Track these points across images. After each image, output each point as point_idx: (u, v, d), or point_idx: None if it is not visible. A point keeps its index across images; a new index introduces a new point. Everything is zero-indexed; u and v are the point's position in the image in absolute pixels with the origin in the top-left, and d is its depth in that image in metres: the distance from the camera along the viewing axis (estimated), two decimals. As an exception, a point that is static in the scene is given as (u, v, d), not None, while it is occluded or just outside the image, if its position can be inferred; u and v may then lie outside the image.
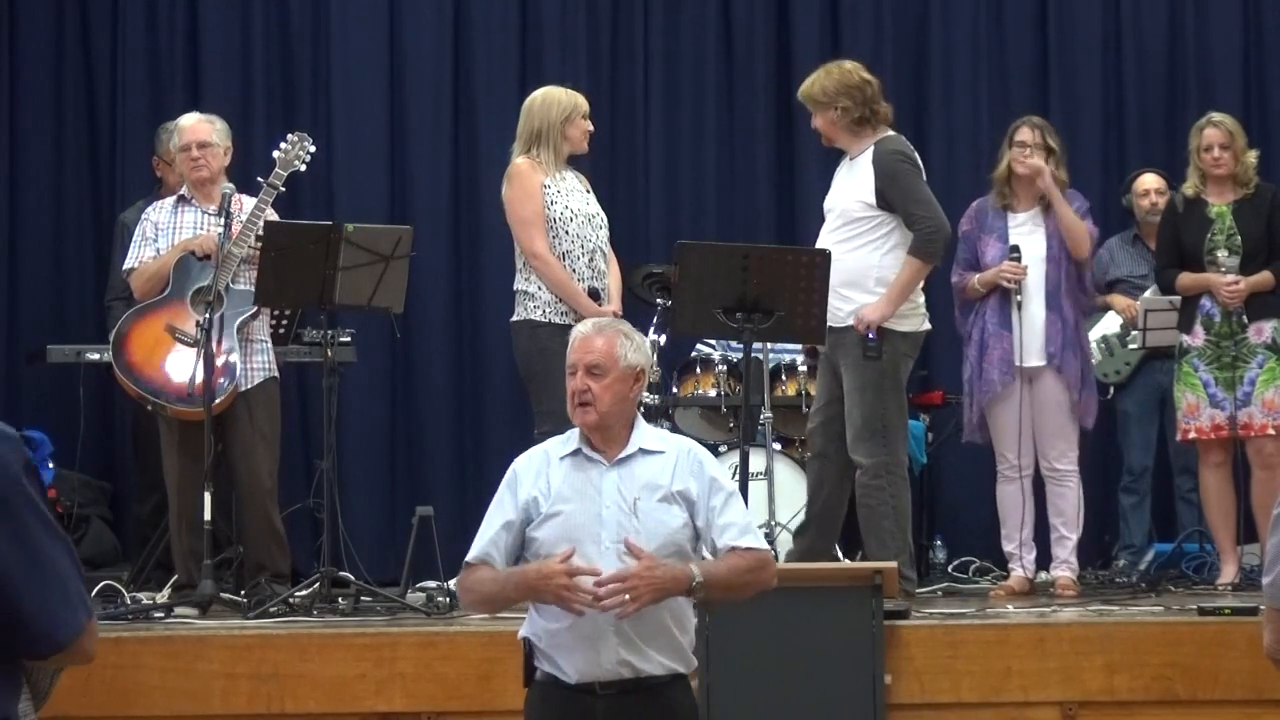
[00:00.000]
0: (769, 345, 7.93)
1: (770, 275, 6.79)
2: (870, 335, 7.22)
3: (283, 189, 7.37)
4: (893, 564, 6.51)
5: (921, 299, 7.49)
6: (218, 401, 7.15)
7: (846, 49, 9.47)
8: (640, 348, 4.60)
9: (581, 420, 4.52)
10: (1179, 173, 8.08)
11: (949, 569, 8.48)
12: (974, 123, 9.47)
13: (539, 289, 7.22)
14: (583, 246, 7.24)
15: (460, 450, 9.30)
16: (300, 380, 8.82)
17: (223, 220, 7.21)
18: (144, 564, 8.01)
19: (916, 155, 7.48)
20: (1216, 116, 7.80)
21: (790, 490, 7.89)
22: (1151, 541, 8.52)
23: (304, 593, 7.13)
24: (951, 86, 9.58)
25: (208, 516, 7.07)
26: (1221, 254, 7.61)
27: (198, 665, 6.35)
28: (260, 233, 7.15)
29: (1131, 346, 8.45)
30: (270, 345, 7.44)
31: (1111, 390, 8.59)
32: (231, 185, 7.38)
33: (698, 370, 8.42)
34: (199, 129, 7.47)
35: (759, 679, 6.08)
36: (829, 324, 7.06)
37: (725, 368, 8.32)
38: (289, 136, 7.46)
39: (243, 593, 7.31)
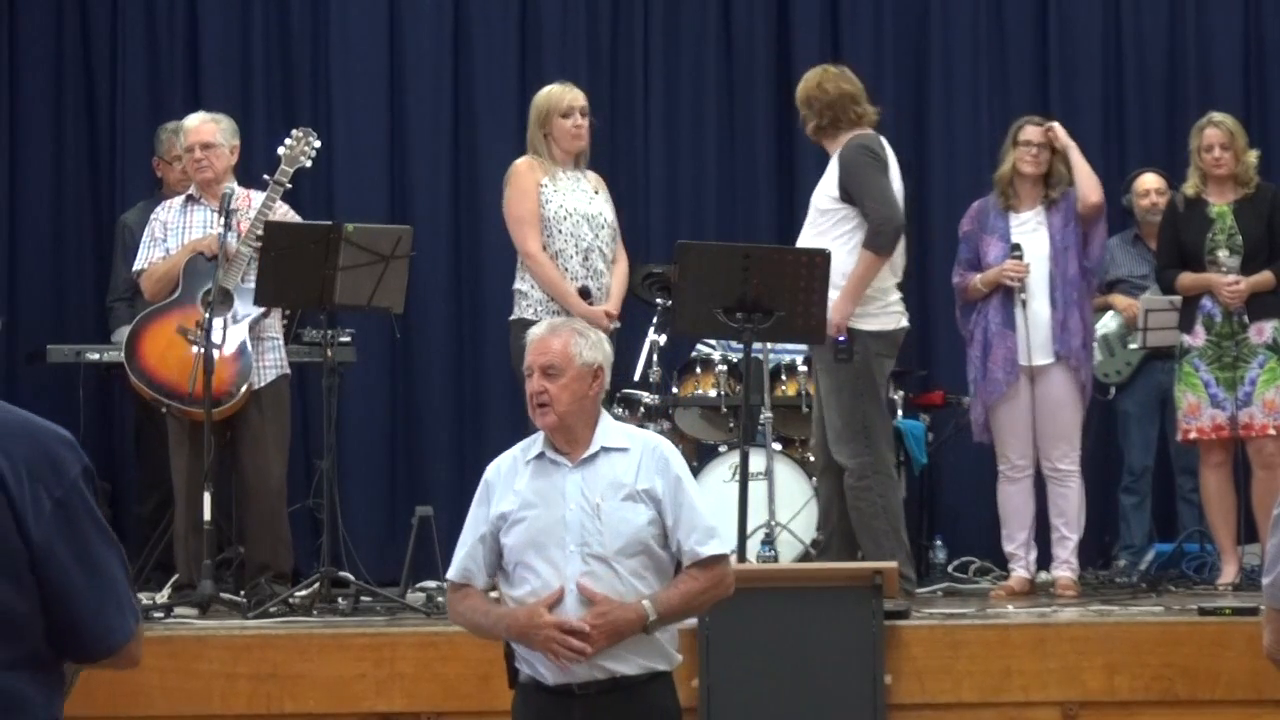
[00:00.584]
0: (769, 345, 7.93)
1: (770, 275, 6.80)
2: (840, 338, 7.23)
3: (289, 185, 7.37)
4: (893, 564, 6.52)
5: (895, 296, 7.44)
6: (233, 401, 7.17)
7: (846, 49, 9.48)
8: (597, 344, 4.62)
9: (541, 422, 4.56)
10: (1179, 173, 8.07)
11: (949, 569, 8.46)
12: (974, 123, 9.46)
13: (532, 288, 7.25)
14: (576, 246, 7.25)
15: (460, 450, 9.29)
16: (300, 380, 8.78)
17: (222, 220, 7.21)
18: (144, 564, 7.99)
19: (886, 152, 7.44)
20: (1216, 116, 7.79)
21: (790, 490, 7.89)
22: (1152, 541, 8.51)
23: (304, 593, 7.13)
24: (951, 86, 9.57)
25: (207, 516, 7.07)
26: (1222, 254, 7.61)
27: (197, 665, 6.36)
28: (260, 231, 7.15)
29: (1132, 346, 8.45)
30: (281, 342, 7.46)
31: (1112, 390, 8.59)
32: (232, 185, 7.38)
33: (698, 370, 8.41)
34: (203, 130, 7.47)
35: (759, 679, 6.08)
36: None
37: (725, 368, 8.32)
38: (294, 132, 7.45)
39: (242, 593, 7.31)
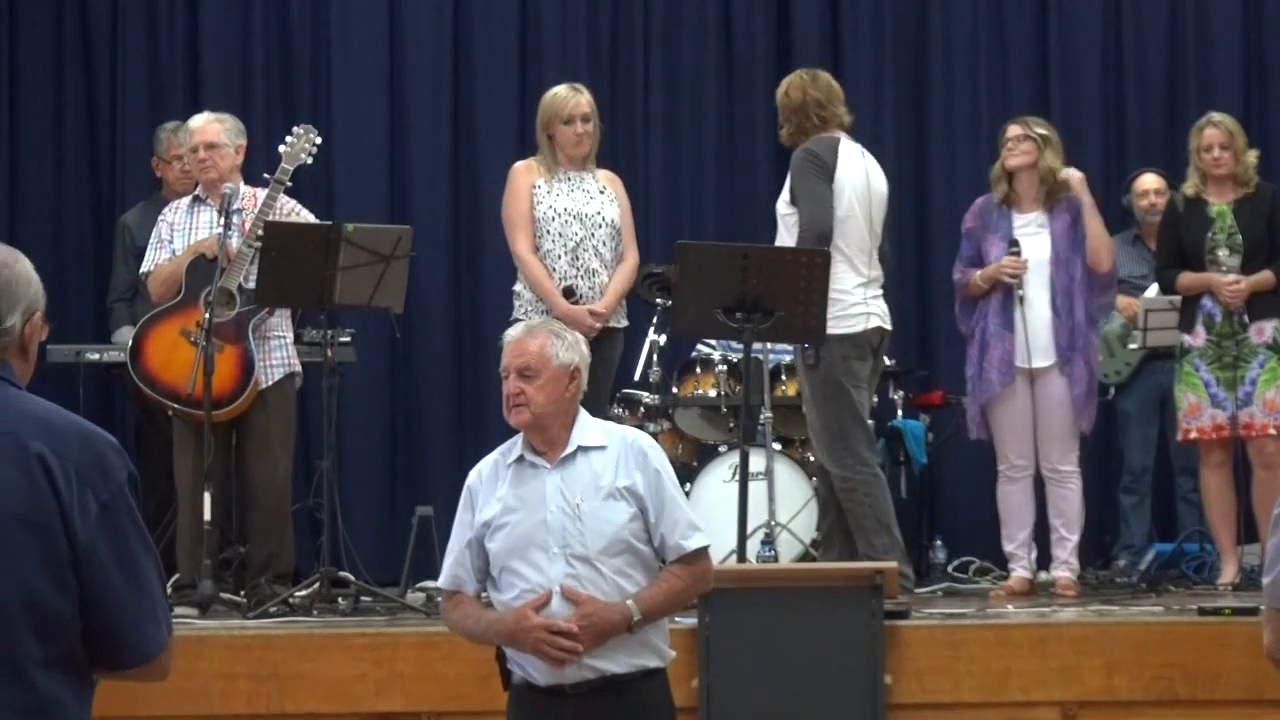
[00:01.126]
0: (769, 345, 7.93)
1: (770, 275, 6.80)
2: (804, 345, 7.26)
3: (290, 183, 7.37)
4: (893, 564, 6.52)
5: (859, 297, 7.35)
6: (238, 402, 7.17)
7: (846, 49, 9.49)
8: (573, 345, 4.63)
9: (516, 421, 4.58)
10: (1179, 173, 8.07)
11: (949, 569, 8.47)
12: (974, 123, 9.46)
13: (524, 288, 7.32)
14: (564, 245, 7.27)
15: (460, 450, 9.27)
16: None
17: (223, 220, 7.22)
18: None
19: (838, 157, 7.39)
20: (1216, 116, 7.79)
21: (790, 490, 7.89)
22: (1152, 541, 8.51)
23: (304, 593, 7.13)
24: (951, 86, 9.57)
25: (208, 516, 7.07)
26: (1222, 253, 7.61)
27: (197, 665, 6.34)
28: (260, 231, 7.15)
29: (1132, 346, 8.45)
30: (289, 340, 7.44)
31: (1112, 390, 8.59)
32: (232, 185, 7.38)
33: (698, 370, 8.41)
34: (207, 130, 7.47)
35: (759, 679, 6.07)
36: None
37: (725, 368, 8.32)
38: (294, 130, 7.46)
39: (242, 593, 7.31)
